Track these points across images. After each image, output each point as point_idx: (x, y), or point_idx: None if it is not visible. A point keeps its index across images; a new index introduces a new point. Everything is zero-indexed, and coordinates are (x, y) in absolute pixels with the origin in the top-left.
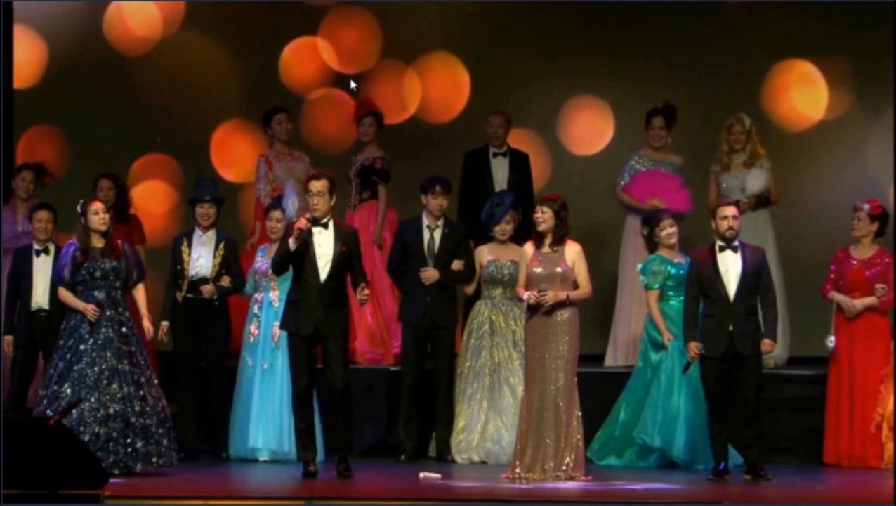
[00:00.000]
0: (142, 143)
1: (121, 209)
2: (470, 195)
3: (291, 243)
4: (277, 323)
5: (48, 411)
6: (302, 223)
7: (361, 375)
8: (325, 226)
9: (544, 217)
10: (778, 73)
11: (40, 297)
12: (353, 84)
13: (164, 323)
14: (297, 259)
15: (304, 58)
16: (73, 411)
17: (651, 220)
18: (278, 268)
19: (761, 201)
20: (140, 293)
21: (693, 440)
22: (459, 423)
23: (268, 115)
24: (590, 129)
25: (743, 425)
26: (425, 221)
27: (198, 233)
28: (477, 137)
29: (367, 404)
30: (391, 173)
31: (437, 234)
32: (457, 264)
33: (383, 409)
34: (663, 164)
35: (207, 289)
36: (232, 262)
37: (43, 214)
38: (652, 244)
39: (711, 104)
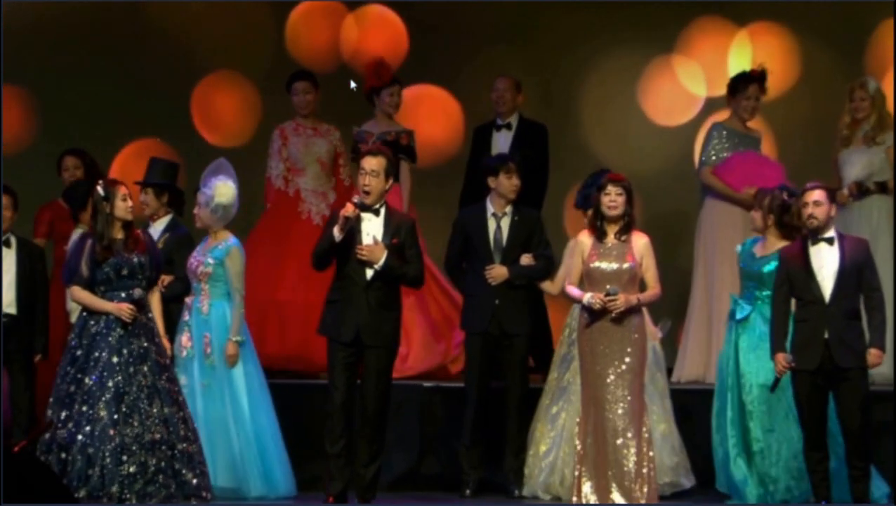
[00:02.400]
0: (123, 109)
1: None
2: (471, 177)
3: (337, 233)
4: (208, 334)
5: (79, 437)
6: (348, 210)
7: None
8: (377, 213)
9: (620, 200)
10: (886, 33)
11: (4, 298)
12: (352, 84)
13: None
14: (341, 251)
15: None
16: (116, 437)
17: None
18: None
19: (863, 189)
20: (156, 299)
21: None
22: (541, 447)
23: (288, 82)
24: (675, 94)
25: (848, 455)
26: (490, 209)
27: (151, 226)
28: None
29: (395, 426)
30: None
31: (505, 223)
32: (526, 259)
33: (415, 432)
34: (748, 138)
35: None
36: (177, 261)
37: (5, 200)
38: (787, 231)
39: (808, 69)
